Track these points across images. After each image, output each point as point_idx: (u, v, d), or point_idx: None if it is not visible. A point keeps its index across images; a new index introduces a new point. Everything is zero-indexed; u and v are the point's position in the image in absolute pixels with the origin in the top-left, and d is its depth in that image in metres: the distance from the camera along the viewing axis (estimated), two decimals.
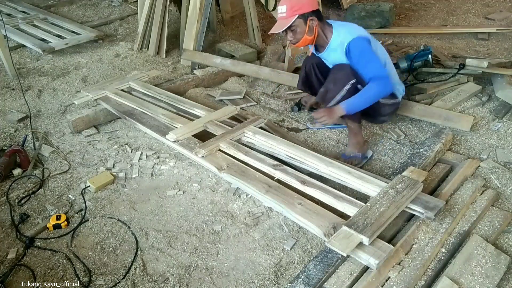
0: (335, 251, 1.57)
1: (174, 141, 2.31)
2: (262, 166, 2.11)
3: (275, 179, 2.03)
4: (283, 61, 3.48)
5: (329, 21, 2.28)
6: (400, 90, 2.39)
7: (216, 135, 2.35)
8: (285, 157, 2.19)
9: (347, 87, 2.17)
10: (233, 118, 2.62)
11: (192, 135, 2.38)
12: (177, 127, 2.44)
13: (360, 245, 1.57)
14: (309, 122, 2.73)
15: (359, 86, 2.17)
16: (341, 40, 2.19)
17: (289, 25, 2.14)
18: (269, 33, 2.30)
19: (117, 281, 1.70)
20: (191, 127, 2.43)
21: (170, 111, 2.71)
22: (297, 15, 2.13)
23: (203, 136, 2.38)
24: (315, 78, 2.48)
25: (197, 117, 2.60)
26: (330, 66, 2.36)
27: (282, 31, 2.19)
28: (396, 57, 3.38)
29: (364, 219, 1.64)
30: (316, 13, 2.18)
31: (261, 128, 2.46)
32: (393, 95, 2.32)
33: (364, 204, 1.76)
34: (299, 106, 2.85)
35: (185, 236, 1.91)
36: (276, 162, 2.12)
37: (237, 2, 4.49)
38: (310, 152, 2.15)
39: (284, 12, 2.15)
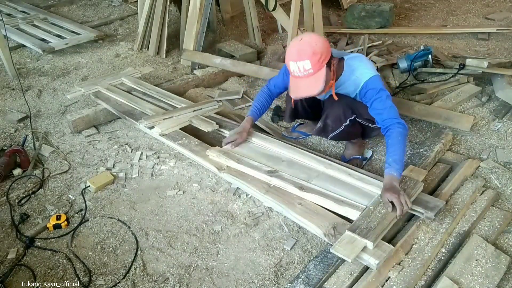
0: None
1: (160, 135, 2.42)
2: (256, 173, 2.05)
3: (271, 186, 1.99)
4: (283, 61, 3.48)
5: (336, 53, 2.06)
6: None
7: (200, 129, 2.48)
8: (285, 159, 2.18)
9: (346, 123, 2.12)
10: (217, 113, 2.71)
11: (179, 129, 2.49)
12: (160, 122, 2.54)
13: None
14: (285, 131, 2.66)
15: (358, 119, 2.12)
16: (356, 76, 1.99)
17: (323, 79, 1.85)
18: (294, 97, 1.98)
19: (117, 281, 1.70)
20: (176, 121, 2.53)
21: (158, 106, 2.76)
22: (325, 65, 1.84)
23: (189, 131, 2.49)
24: (302, 109, 2.37)
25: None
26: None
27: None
28: (396, 57, 3.38)
29: (367, 222, 1.63)
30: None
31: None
32: None
33: (365, 206, 1.76)
34: (278, 115, 2.77)
35: (185, 236, 1.91)
36: (271, 169, 2.06)
37: (237, 2, 4.49)
38: (308, 154, 2.15)
39: (309, 69, 1.83)
